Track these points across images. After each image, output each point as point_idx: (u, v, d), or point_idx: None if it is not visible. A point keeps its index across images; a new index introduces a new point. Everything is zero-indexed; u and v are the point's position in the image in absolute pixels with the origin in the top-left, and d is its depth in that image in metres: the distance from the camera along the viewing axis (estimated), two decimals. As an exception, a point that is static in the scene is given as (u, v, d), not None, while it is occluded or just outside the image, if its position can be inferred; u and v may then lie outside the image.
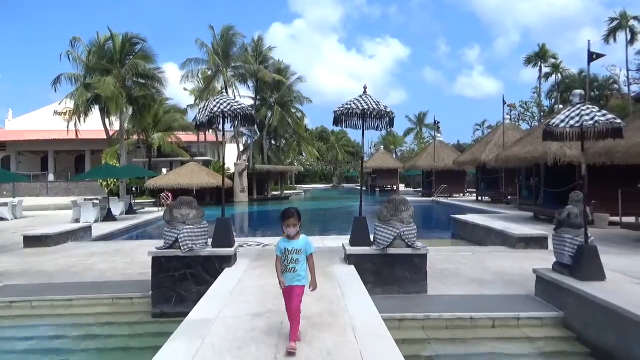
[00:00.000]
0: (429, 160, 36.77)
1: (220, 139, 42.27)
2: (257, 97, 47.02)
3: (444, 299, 7.12)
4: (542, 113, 54.32)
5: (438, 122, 40.27)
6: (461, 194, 37.66)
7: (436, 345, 5.95)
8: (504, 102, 28.69)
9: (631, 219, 14.32)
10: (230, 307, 5.21)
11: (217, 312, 5.01)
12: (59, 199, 43.06)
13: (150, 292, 7.58)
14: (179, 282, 7.40)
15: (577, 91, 20.71)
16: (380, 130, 8.29)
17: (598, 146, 13.84)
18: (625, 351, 5.18)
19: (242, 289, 6.06)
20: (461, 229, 16.09)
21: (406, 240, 7.46)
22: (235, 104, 7.47)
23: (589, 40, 15.66)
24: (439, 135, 40.04)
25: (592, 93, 41.44)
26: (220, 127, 7.72)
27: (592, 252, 6.49)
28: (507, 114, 37.53)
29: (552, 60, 54.84)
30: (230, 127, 7.91)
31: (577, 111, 6.28)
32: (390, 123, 7.96)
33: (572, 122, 6.21)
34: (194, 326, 4.57)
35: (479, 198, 31.39)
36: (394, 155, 70.90)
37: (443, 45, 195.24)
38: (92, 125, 38.21)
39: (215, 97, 7.58)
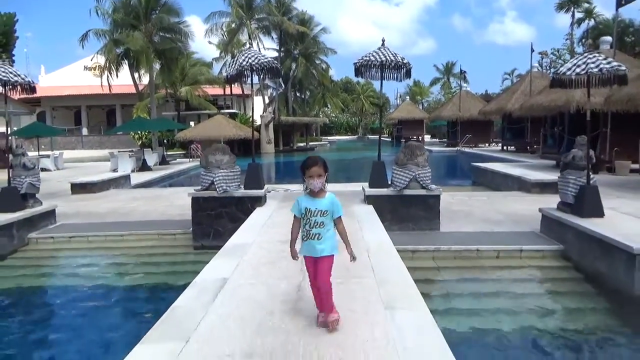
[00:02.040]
0: (455, 110, 36.54)
1: (247, 92, 42.82)
2: (282, 49, 46.89)
3: (454, 235, 7.81)
4: (575, 60, 52.28)
5: (464, 72, 39.60)
6: (487, 144, 37.55)
7: (444, 272, 6.71)
8: (532, 50, 28.08)
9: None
10: (263, 236, 6.05)
11: (252, 239, 5.85)
12: (94, 151, 45.00)
13: (191, 228, 8.54)
14: (216, 220, 8.30)
15: (606, 38, 20.33)
16: (400, 81, 8.76)
17: (621, 94, 13.90)
18: (613, 275, 5.83)
19: (273, 223, 6.89)
20: (481, 176, 16.57)
21: (421, 183, 8.10)
22: (262, 57, 8.05)
23: (618, -16, 15.28)
24: (465, 85, 39.54)
25: (627, 39, 39.66)
26: (249, 80, 8.30)
27: (593, 192, 7.01)
28: (539, 63, 36.64)
29: (586, 5, 52.30)
30: (258, 80, 8.50)
31: (584, 59, 6.63)
32: (408, 74, 8.42)
33: (578, 69, 6.57)
34: (234, 249, 5.43)
35: (504, 148, 31.36)
36: (420, 106, 70.10)
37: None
38: (122, 81, 39.19)
39: (243, 52, 8.16)
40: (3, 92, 8.52)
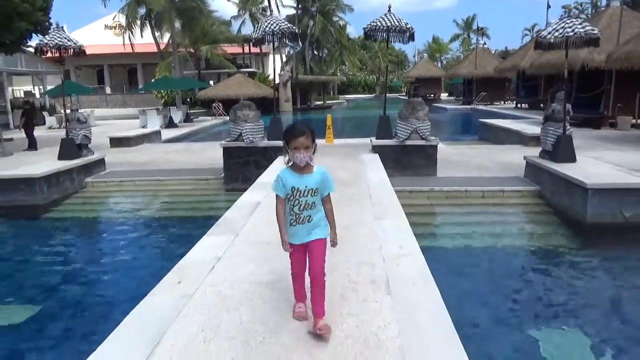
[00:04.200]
0: (471, 68, 36.82)
1: (265, 50, 43.42)
2: (299, 6, 46.99)
3: (448, 179, 9.06)
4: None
5: (482, 28, 39.44)
6: (502, 102, 37.93)
7: (437, 207, 8.04)
8: (549, 6, 28.13)
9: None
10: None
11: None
12: (118, 110, 46.59)
13: (222, 174, 9.96)
14: (244, 167, 9.68)
15: (616, -5, 20.44)
16: (405, 43, 9.77)
17: (621, 51, 14.58)
18: (573, 208, 7.08)
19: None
20: (487, 131, 17.56)
21: (421, 134, 9.29)
22: (283, 24, 9.19)
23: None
24: (481, 41, 39.46)
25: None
26: (271, 44, 9.46)
27: (567, 141, 8.14)
28: (573, 13, 36.27)
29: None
30: (278, 44, 9.61)
31: (562, 24, 7.60)
32: (411, 37, 9.48)
33: (556, 33, 7.56)
34: (262, 185, 6.80)
35: (518, 105, 31.86)
36: (439, 64, 69.60)
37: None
38: (143, 40, 40.22)
39: (267, 19, 9.29)
40: (59, 55, 9.86)
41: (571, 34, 7.45)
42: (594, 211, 6.68)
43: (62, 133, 10.68)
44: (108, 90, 56.66)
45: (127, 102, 51.90)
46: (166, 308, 2.99)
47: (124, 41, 38.08)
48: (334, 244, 2.89)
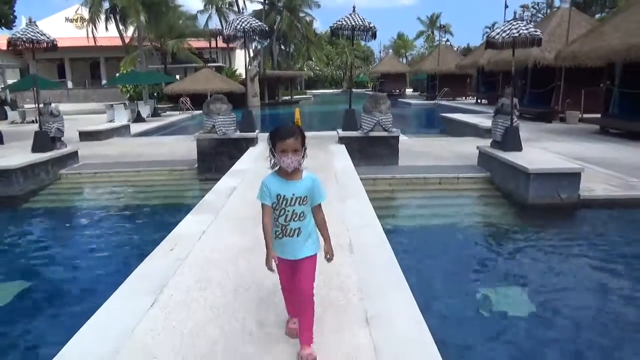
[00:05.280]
0: (434, 64, 38.07)
1: (231, 45, 43.39)
2: (266, 1, 47.18)
3: (409, 167, 9.79)
4: (554, 14, 53.53)
5: (444, 26, 40.75)
6: (464, 98, 39.37)
7: (398, 193, 8.76)
8: (506, 6, 29.47)
9: (596, 116, 16.48)
10: (257, 164, 7.94)
11: (249, 166, 7.75)
12: (80, 105, 45.50)
13: (196, 165, 10.38)
14: (217, 157, 10.14)
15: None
16: (367, 41, 10.48)
17: (568, 51, 15.73)
18: (518, 191, 7.91)
19: (265, 157, 8.75)
20: (448, 125, 18.53)
21: (384, 126, 9.99)
22: (254, 22, 9.70)
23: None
24: (444, 38, 40.76)
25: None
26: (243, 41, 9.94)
27: (514, 131, 8.99)
28: (519, 16, 37.88)
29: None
30: (248, 41, 10.11)
31: (509, 26, 8.41)
32: (374, 36, 10.18)
33: (504, 34, 8.37)
34: (236, 172, 7.33)
35: (479, 101, 33.22)
36: (404, 60, 71.07)
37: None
38: (106, 33, 39.53)
39: (238, 17, 9.77)
40: (32, 49, 10.03)
41: (517, 34, 8.26)
42: (534, 193, 7.52)
43: (26, 128, 10.86)
44: (70, 84, 55.30)
45: (90, 97, 50.75)
46: (163, 268, 3.52)
47: (87, 34, 37.38)
48: (329, 259, 2.56)
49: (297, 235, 2.46)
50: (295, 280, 2.50)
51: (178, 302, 3.01)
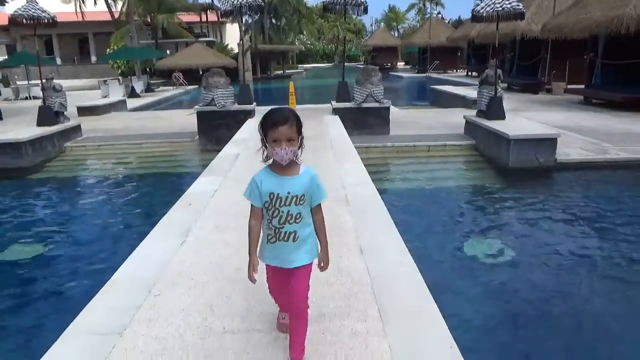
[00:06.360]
0: (425, 37, 38.23)
1: (222, 20, 43.11)
2: (256, -26, 46.62)
3: (400, 136, 10.34)
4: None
5: (435, -2, 40.65)
6: (455, 70, 39.68)
7: (389, 160, 9.34)
8: (496, -22, 29.48)
9: (580, 87, 17.01)
10: (257, 134, 8.43)
11: (248, 136, 8.25)
12: (70, 81, 45.21)
13: (197, 137, 10.85)
14: (216, 129, 10.60)
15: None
16: (359, 15, 10.85)
17: (553, 23, 16.16)
18: (500, 156, 8.52)
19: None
20: (438, 96, 19.03)
21: (375, 98, 10.48)
22: (250, -3, 10.09)
23: None
24: (436, 11, 40.78)
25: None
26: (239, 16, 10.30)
27: (498, 101, 9.54)
28: None
29: None
30: (244, 17, 10.44)
31: (493, 0, 8.86)
32: (365, 10, 10.57)
33: (488, 8, 8.83)
34: (238, 141, 7.83)
35: (469, 73, 33.60)
36: (396, 33, 70.79)
37: None
38: (94, 7, 39.11)
39: (234, -8, 10.12)
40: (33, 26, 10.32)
41: (500, 9, 8.72)
42: (515, 158, 8.13)
43: (21, 104, 11.10)
44: (58, 61, 54.69)
45: (80, 73, 50.29)
46: (185, 218, 4.08)
47: (75, 9, 37.01)
48: (323, 268, 2.22)
49: (293, 240, 2.11)
50: (288, 290, 2.16)
51: (203, 241, 3.58)
